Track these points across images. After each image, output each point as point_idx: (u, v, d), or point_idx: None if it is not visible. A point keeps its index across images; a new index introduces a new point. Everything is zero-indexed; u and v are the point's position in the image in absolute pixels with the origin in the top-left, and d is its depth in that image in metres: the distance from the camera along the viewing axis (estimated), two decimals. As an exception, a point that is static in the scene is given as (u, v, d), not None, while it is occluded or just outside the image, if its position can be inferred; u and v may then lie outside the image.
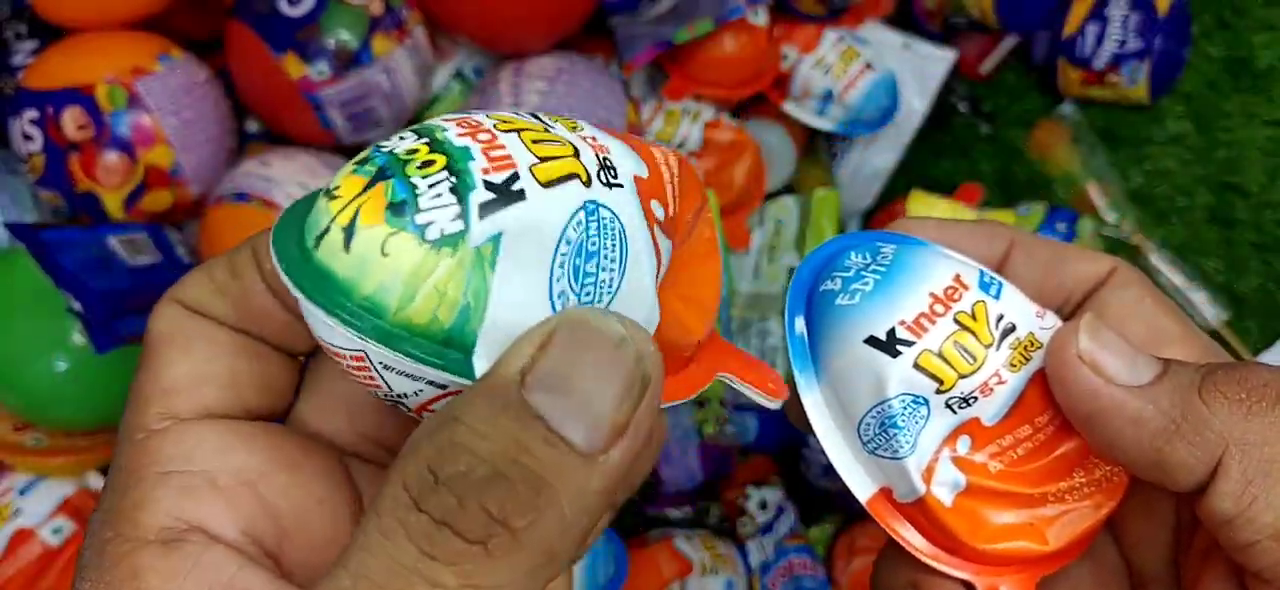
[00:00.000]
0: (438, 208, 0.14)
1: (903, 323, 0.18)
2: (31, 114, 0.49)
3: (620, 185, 0.16)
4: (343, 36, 0.49)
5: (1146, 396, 0.17)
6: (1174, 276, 0.67)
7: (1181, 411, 0.16)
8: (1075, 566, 0.20)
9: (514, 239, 0.14)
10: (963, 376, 0.18)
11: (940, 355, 0.18)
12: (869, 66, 0.60)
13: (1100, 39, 0.67)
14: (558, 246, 0.15)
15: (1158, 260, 0.67)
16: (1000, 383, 0.18)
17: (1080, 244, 0.64)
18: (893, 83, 0.61)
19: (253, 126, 0.59)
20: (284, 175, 0.51)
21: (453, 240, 0.14)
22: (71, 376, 0.49)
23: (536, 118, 0.16)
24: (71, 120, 0.48)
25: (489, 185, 0.14)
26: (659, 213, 0.16)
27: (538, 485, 0.13)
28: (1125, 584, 0.21)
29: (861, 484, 0.19)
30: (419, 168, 0.14)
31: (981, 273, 0.19)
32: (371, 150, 0.16)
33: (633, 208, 0.16)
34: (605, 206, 0.15)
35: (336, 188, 0.15)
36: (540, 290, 0.15)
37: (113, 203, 0.50)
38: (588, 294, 0.15)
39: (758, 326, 0.60)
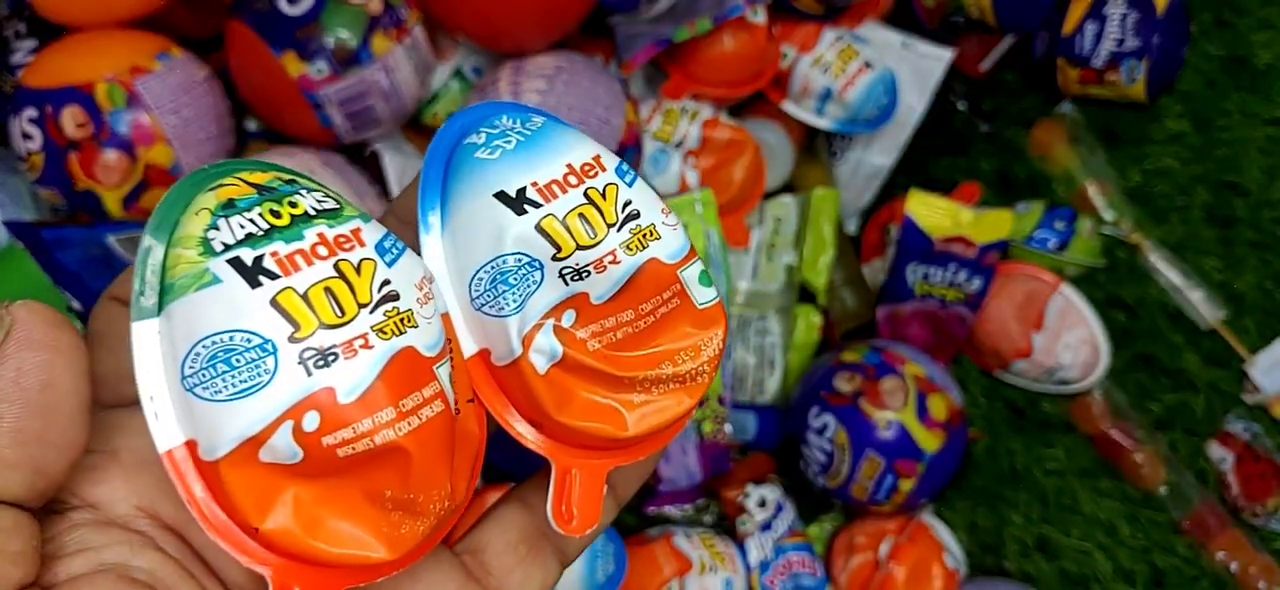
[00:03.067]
0: None
1: (535, 184, 0.18)
2: (31, 113, 0.49)
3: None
4: (342, 35, 0.49)
5: None
6: (1172, 275, 0.67)
7: None
8: None
9: None
10: (581, 248, 0.18)
11: (564, 222, 0.18)
12: (868, 65, 0.60)
13: (1099, 38, 0.67)
14: None
15: (1156, 259, 0.67)
16: (614, 262, 0.18)
17: (1078, 241, 0.64)
18: (892, 81, 0.61)
19: (252, 125, 0.59)
20: (283, 174, 0.51)
21: None
22: (71, 375, 0.49)
23: None
24: (71, 119, 0.48)
25: None
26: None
27: None
28: None
29: (464, 341, 0.18)
30: None
31: (622, 163, 0.19)
32: None
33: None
34: None
35: None
36: None
37: (112, 201, 0.50)
38: None
39: (757, 324, 0.60)
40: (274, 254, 0.16)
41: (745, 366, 0.60)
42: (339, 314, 0.16)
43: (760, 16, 0.57)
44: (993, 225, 0.57)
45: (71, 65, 0.49)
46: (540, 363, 0.18)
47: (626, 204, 0.19)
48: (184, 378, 0.15)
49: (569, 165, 0.19)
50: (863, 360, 0.55)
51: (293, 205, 0.16)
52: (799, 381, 0.59)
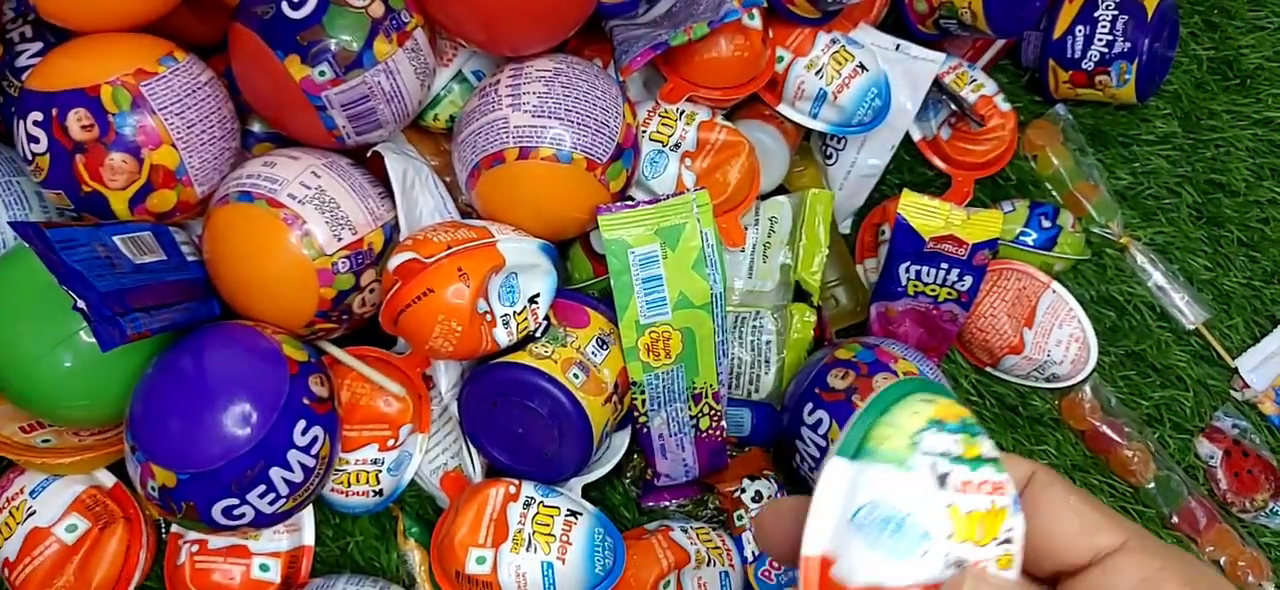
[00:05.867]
0: None
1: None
2: (36, 115, 0.50)
3: None
4: (344, 39, 0.50)
5: None
6: (1157, 277, 0.68)
7: None
8: None
9: None
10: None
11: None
12: (862, 68, 0.61)
13: (1089, 40, 0.68)
14: None
15: (1143, 260, 0.68)
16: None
17: (1064, 236, 0.65)
18: (885, 84, 0.62)
19: (256, 127, 0.59)
20: (288, 175, 0.52)
21: None
22: (78, 373, 0.49)
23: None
24: (76, 121, 0.49)
25: None
26: None
27: None
28: None
29: None
30: None
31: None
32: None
33: None
34: None
35: None
36: None
37: (118, 203, 0.51)
38: None
39: (752, 322, 0.61)
40: (959, 475, 0.21)
41: (741, 363, 0.61)
42: (980, 538, 0.21)
43: (756, 21, 0.58)
44: (983, 225, 0.58)
45: (77, 68, 0.50)
46: None
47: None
48: (855, 515, 0.20)
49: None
50: (856, 357, 0.56)
51: (977, 444, 0.21)
52: (793, 378, 0.60)
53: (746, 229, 0.62)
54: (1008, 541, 0.21)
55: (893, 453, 0.21)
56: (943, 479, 0.21)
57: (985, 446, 0.22)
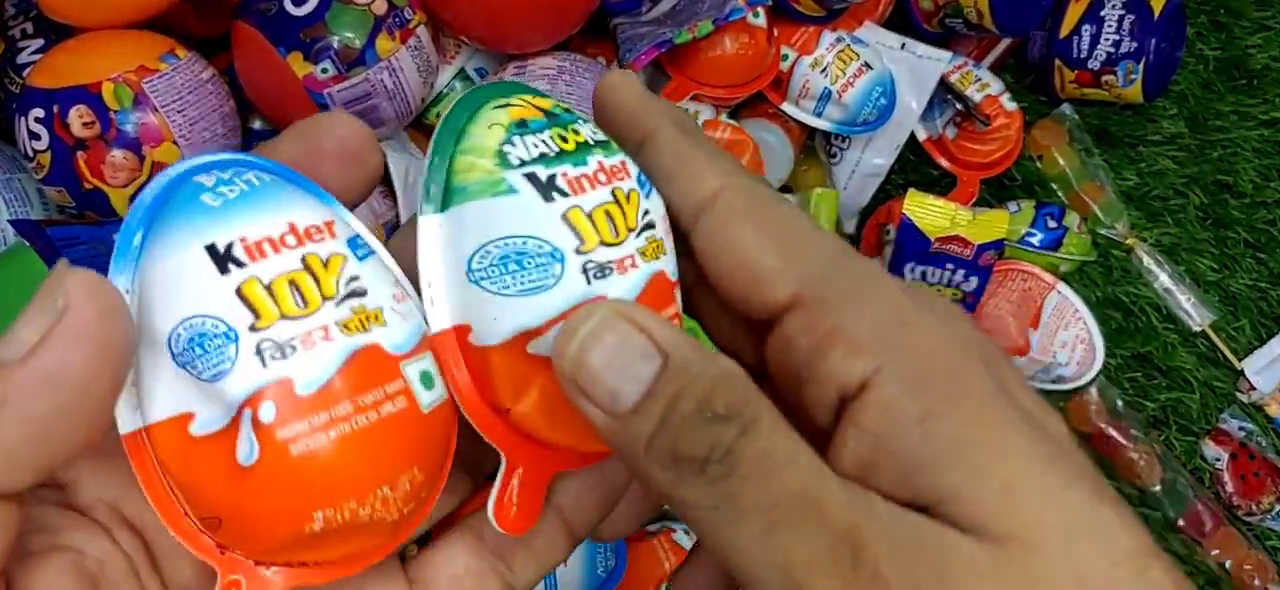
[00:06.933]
0: None
1: (244, 240, 0.16)
2: (38, 112, 0.49)
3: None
4: (347, 36, 0.49)
5: (622, 427, 0.15)
6: (1163, 278, 0.68)
7: (640, 461, 0.15)
8: None
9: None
10: (285, 318, 0.16)
11: (269, 288, 0.16)
12: (866, 67, 0.61)
13: (1095, 40, 0.67)
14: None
15: (1149, 261, 0.68)
16: (326, 340, 0.16)
17: (1070, 237, 0.65)
18: (890, 83, 0.62)
19: (258, 124, 0.59)
20: (289, 173, 0.52)
21: None
22: (79, 372, 0.49)
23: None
24: (78, 118, 0.49)
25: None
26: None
27: None
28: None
29: (161, 404, 0.16)
30: None
31: (356, 237, 0.17)
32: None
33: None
34: None
35: None
36: None
37: (119, 200, 0.51)
38: None
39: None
40: (564, 175, 0.17)
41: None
42: (614, 235, 0.17)
43: (760, 19, 0.58)
44: (989, 225, 0.58)
45: (78, 65, 0.50)
46: (245, 454, 0.16)
47: (351, 279, 0.16)
48: (470, 271, 0.17)
49: (292, 225, 0.16)
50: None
51: (576, 133, 0.18)
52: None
53: (750, 228, 0.62)
54: (650, 227, 0.18)
55: (483, 181, 0.17)
56: (547, 187, 0.17)
57: (586, 131, 0.18)
